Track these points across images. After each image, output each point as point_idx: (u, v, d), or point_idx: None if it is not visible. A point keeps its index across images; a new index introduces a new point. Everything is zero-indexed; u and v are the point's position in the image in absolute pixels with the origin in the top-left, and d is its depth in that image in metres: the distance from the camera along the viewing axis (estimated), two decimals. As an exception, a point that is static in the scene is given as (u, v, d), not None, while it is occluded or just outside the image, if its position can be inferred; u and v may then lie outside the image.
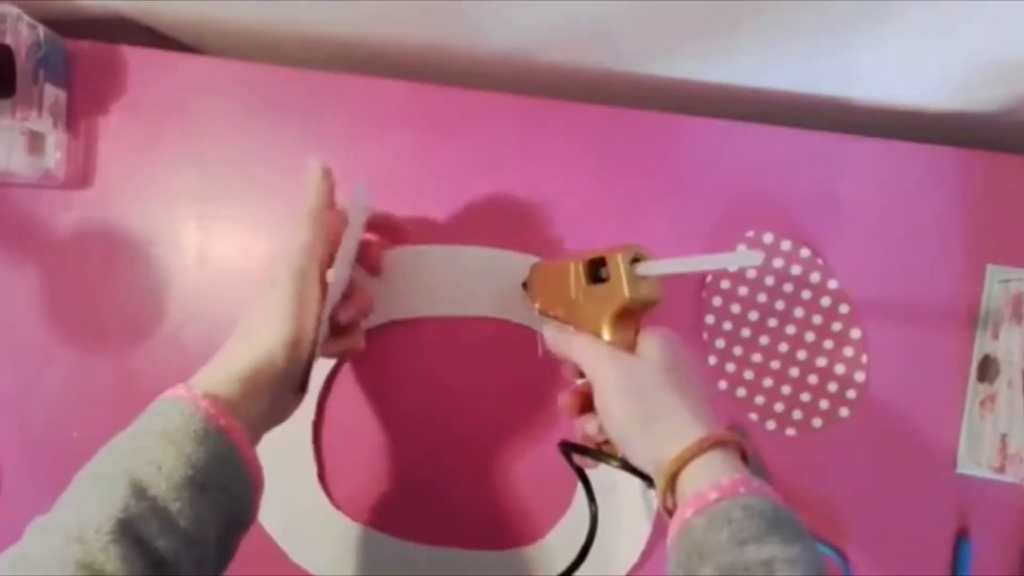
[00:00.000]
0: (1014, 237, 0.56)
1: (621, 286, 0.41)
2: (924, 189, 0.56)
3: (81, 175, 0.54)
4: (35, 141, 0.51)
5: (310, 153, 0.55)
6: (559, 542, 0.53)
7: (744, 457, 0.38)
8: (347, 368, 0.54)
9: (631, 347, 0.42)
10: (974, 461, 0.54)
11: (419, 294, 0.54)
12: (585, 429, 0.44)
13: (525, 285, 0.51)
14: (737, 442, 0.38)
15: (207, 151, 0.55)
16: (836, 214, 0.56)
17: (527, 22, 0.53)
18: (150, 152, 0.55)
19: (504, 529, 0.53)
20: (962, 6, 0.45)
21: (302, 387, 0.42)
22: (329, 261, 0.44)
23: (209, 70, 0.56)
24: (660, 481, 0.37)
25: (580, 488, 0.53)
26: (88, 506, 0.32)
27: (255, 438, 0.39)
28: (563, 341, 0.44)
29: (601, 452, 0.43)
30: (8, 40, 0.49)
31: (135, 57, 0.55)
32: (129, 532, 0.31)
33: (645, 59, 0.57)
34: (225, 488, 0.35)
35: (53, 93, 0.52)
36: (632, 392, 0.39)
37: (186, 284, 0.54)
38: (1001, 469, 0.51)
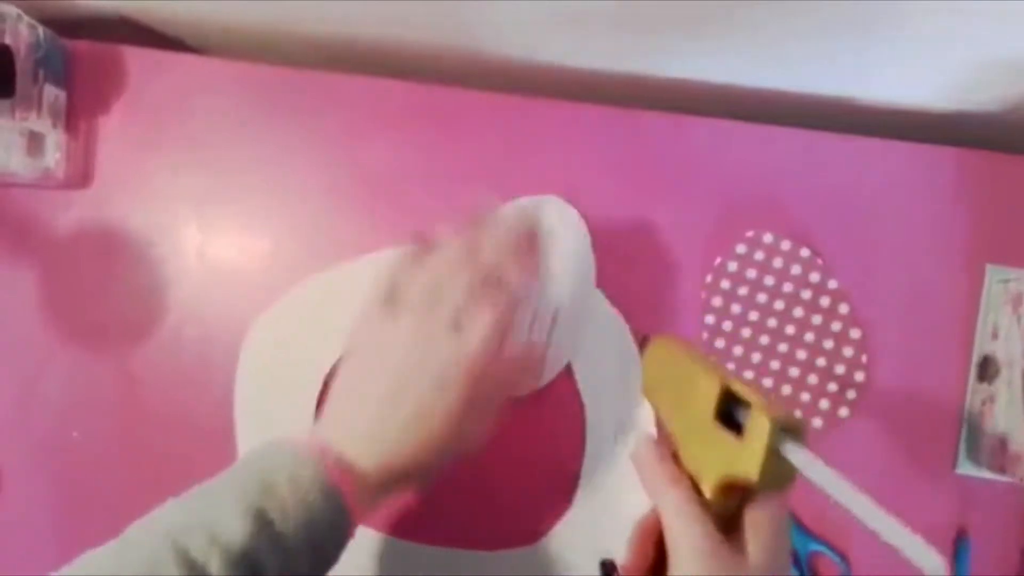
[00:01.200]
0: (1014, 237, 0.56)
1: (755, 460, 0.31)
2: (924, 189, 0.56)
3: (81, 175, 0.54)
4: (35, 141, 0.51)
5: (310, 153, 0.55)
6: (559, 542, 0.53)
7: None
8: (347, 368, 0.54)
9: (729, 519, 0.34)
10: (974, 461, 0.54)
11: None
12: (643, 557, 0.37)
13: (641, 344, 0.44)
14: None
15: (207, 151, 0.55)
16: (836, 214, 0.56)
17: (527, 22, 0.53)
18: (150, 152, 0.55)
19: (504, 529, 0.53)
20: (962, 6, 0.45)
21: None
22: None
23: (209, 70, 0.56)
24: None
25: (579, 489, 0.53)
26: (218, 525, 0.33)
27: (377, 498, 0.39)
28: (658, 483, 0.35)
29: None
30: (8, 40, 0.48)
31: (135, 57, 0.55)
32: (250, 565, 0.32)
33: (645, 59, 0.57)
34: (327, 555, 0.37)
35: (53, 93, 0.52)
36: None
37: (186, 284, 0.54)
38: (1001, 469, 0.51)
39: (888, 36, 0.49)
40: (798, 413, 0.54)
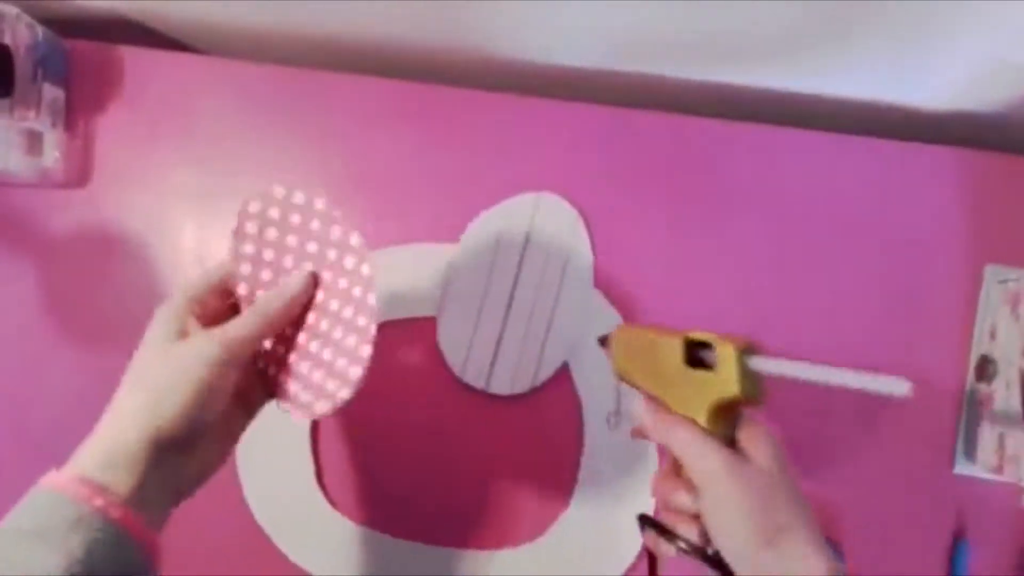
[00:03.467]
0: (1013, 237, 0.56)
1: (731, 379, 0.37)
2: (924, 189, 0.56)
3: (79, 174, 0.54)
4: (33, 140, 0.51)
5: (310, 153, 0.55)
6: (558, 541, 0.53)
7: None
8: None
9: (730, 442, 0.38)
10: (972, 461, 0.54)
11: (418, 294, 0.54)
12: (673, 501, 0.39)
13: (603, 342, 0.47)
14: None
15: (206, 151, 0.55)
16: (836, 214, 0.56)
17: (528, 23, 0.53)
18: (149, 152, 0.55)
19: (503, 528, 0.53)
20: (963, 7, 0.45)
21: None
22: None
23: (209, 70, 0.56)
24: None
25: (578, 488, 0.53)
26: None
27: (154, 512, 0.36)
28: (662, 429, 0.39)
29: (690, 545, 0.38)
30: (7, 40, 0.48)
31: (134, 57, 0.55)
32: None
33: (645, 60, 0.57)
34: (113, 572, 0.33)
35: (52, 92, 0.52)
36: (756, 510, 0.35)
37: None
38: (999, 469, 0.51)
39: (888, 37, 0.49)
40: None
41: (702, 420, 0.38)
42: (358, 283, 0.42)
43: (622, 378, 0.45)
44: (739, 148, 0.56)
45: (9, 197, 0.54)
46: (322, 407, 0.41)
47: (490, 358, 0.53)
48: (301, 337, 0.43)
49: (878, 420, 0.55)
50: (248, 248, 0.44)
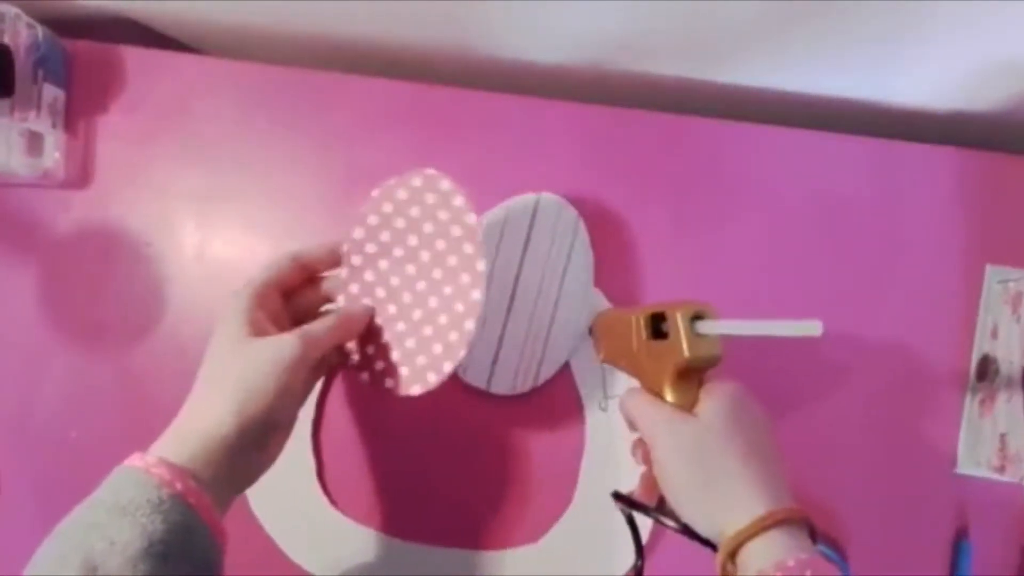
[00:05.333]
0: (1013, 237, 0.56)
1: (680, 344, 0.39)
2: (924, 189, 0.56)
3: (80, 175, 0.54)
4: (34, 141, 0.51)
5: (310, 153, 0.55)
6: (558, 542, 0.53)
7: (812, 530, 0.37)
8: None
9: (693, 404, 0.40)
10: (973, 461, 0.54)
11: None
12: (641, 469, 0.43)
13: (591, 331, 0.51)
14: (805, 517, 0.36)
15: (206, 151, 0.55)
16: (836, 214, 0.56)
17: (527, 22, 0.53)
18: (149, 152, 0.55)
19: (503, 529, 0.53)
20: (963, 7, 0.45)
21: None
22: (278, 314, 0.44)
23: (209, 70, 0.56)
24: (719, 554, 0.36)
25: (579, 488, 0.53)
26: None
27: (222, 501, 0.38)
28: (623, 402, 0.43)
29: (659, 512, 0.41)
30: (7, 40, 0.48)
31: (135, 57, 0.55)
32: None
33: (646, 59, 0.57)
34: (186, 556, 0.34)
35: (52, 93, 0.52)
36: (688, 458, 0.38)
37: (185, 284, 0.54)
38: (1000, 469, 0.51)
39: (888, 37, 0.50)
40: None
41: (668, 390, 0.41)
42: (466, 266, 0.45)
43: (605, 361, 0.48)
44: (739, 148, 0.56)
45: (9, 197, 0.54)
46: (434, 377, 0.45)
47: (491, 358, 0.53)
48: (400, 324, 0.46)
49: (879, 420, 0.55)
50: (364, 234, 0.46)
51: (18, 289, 0.54)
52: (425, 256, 0.46)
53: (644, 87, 0.61)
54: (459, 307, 0.45)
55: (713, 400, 0.40)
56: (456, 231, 0.45)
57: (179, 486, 0.35)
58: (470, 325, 0.45)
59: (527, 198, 0.54)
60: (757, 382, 0.55)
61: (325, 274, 0.48)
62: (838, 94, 0.59)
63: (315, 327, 0.42)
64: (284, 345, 0.40)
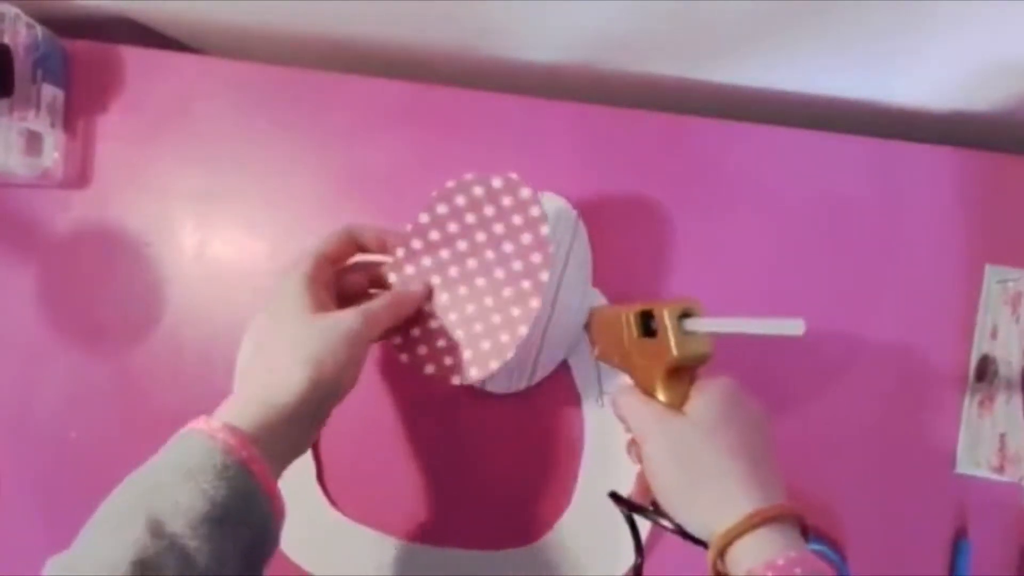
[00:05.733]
0: (1013, 237, 0.56)
1: (669, 343, 0.39)
2: (924, 189, 0.56)
3: (79, 175, 0.54)
4: (33, 141, 0.51)
5: (310, 153, 0.55)
6: (558, 542, 0.53)
7: (804, 528, 0.37)
8: (346, 368, 0.54)
9: (684, 402, 0.40)
10: (973, 461, 0.54)
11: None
12: (643, 480, 0.42)
13: (587, 327, 0.51)
14: (796, 515, 0.36)
15: (206, 151, 0.55)
16: (835, 214, 0.56)
17: (527, 22, 0.53)
18: (148, 152, 0.55)
19: (503, 529, 0.53)
20: (963, 6, 0.45)
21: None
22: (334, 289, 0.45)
23: (209, 70, 0.56)
24: (709, 553, 0.36)
25: (579, 488, 0.53)
26: (105, 547, 0.32)
27: (278, 469, 0.39)
28: (615, 400, 0.42)
29: (654, 512, 0.41)
30: (6, 39, 0.48)
31: (134, 57, 0.55)
32: (146, 572, 0.31)
33: (646, 60, 0.57)
34: (245, 522, 0.35)
35: (51, 93, 0.52)
36: (677, 458, 0.38)
37: (184, 284, 0.54)
38: (1000, 469, 0.51)
39: (888, 37, 0.50)
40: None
41: (659, 387, 0.40)
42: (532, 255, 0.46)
43: (600, 358, 0.47)
44: (739, 148, 0.56)
45: (8, 197, 0.54)
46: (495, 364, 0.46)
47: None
48: (451, 314, 0.47)
49: (879, 420, 0.55)
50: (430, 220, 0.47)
51: (17, 289, 0.54)
52: (490, 255, 0.47)
53: (643, 87, 0.61)
54: (515, 311, 0.46)
55: (703, 397, 0.39)
56: (526, 239, 0.46)
57: (243, 453, 0.35)
58: (523, 330, 0.46)
59: None
60: (756, 382, 0.55)
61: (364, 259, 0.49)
62: (838, 94, 0.59)
63: (375, 305, 0.43)
64: (351, 321, 0.41)
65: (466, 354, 0.47)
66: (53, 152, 0.53)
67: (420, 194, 0.55)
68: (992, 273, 0.55)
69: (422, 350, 0.47)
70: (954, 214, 0.56)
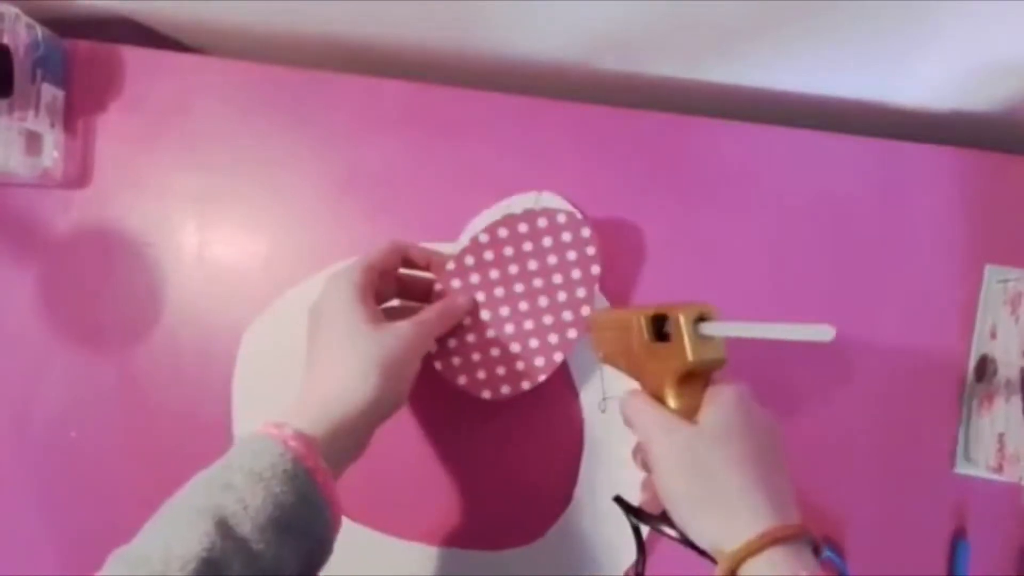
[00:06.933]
0: (1013, 237, 0.56)
1: (684, 347, 0.38)
2: (924, 189, 0.56)
3: (79, 175, 0.54)
4: (32, 141, 0.51)
5: (310, 153, 0.55)
6: (558, 542, 0.53)
7: (816, 545, 0.36)
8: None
9: (696, 409, 0.39)
10: (972, 461, 0.54)
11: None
12: (642, 475, 0.42)
13: (589, 329, 0.50)
14: (807, 532, 0.35)
15: (206, 151, 0.55)
16: (836, 214, 0.56)
17: (527, 22, 0.53)
18: (149, 152, 0.55)
19: (503, 528, 0.53)
20: (963, 6, 0.45)
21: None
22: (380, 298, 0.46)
23: (209, 70, 0.56)
24: (719, 569, 0.35)
25: (579, 488, 0.53)
26: (174, 540, 0.32)
27: (338, 475, 0.40)
28: (623, 404, 0.42)
29: (660, 521, 0.40)
30: (6, 40, 0.48)
31: (134, 57, 0.55)
32: (212, 571, 0.32)
33: (646, 60, 0.57)
34: (307, 530, 0.36)
35: (51, 93, 0.52)
36: (686, 468, 0.37)
37: (185, 284, 0.54)
38: (999, 469, 0.51)
39: (888, 37, 0.50)
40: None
41: (670, 393, 0.39)
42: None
43: (605, 360, 0.47)
44: (740, 148, 0.56)
45: (8, 197, 0.54)
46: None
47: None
48: (490, 331, 0.50)
49: (878, 420, 0.55)
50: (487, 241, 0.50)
51: (17, 289, 0.54)
52: (538, 282, 0.50)
53: (643, 87, 0.61)
54: (552, 338, 0.50)
55: (715, 406, 0.38)
56: (576, 274, 0.50)
57: (310, 462, 0.36)
58: (558, 358, 0.50)
59: (527, 197, 0.54)
60: (755, 382, 0.55)
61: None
62: (838, 94, 0.59)
63: (428, 316, 0.46)
64: (411, 333, 0.43)
65: (499, 371, 0.50)
66: (53, 152, 0.53)
67: (420, 194, 0.55)
68: (992, 273, 0.55)
69: (456, 361, 0.50)
70: (954, 214, 0.56)
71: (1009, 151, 0.57)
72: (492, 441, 0.54)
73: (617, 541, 0.53)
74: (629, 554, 0.52)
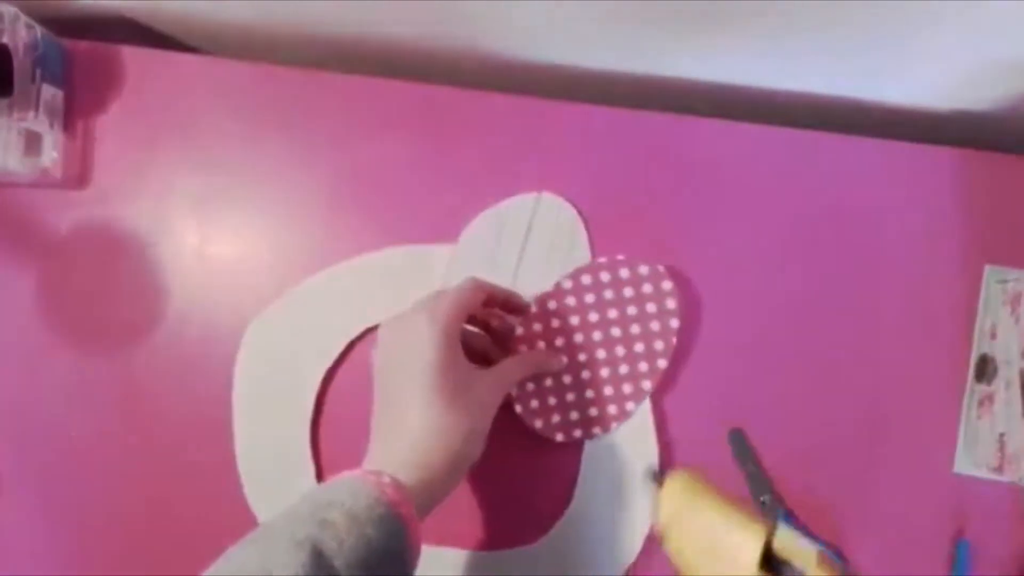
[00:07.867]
0: (1013, 237, 0.56)
1: None
2: (923, 189, 0.56)
3: (79, 175, 0.54)
4: (32, 141, 0.51)
5: (310, 153, 0.55)
6: (558, 542, 0.53)
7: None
8: (345, 366, 0.54)
9: None
10: (972, 461, 0.54)
11: (417, 295, 0.54)
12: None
13: (656, 478, 0.48)
14: None
15: (206, 151, 0.55)
16: (835, 214, 0.56)
17: (527, 22, 0.53)
18: (148, 152, 0.55)
19: (503, 529, 0.53)
20: (962, 7, 0.45)
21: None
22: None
23: (209, 70, 0.56)
24: None
25: (579, 487, 0.53)
26: (273, 564, 0.34)
27: (424, 518, 0.41)
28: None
29: None
30: (6, 40, 0.48)
31: (134, 57, 0.55)
32: None
33: (645, 59, 0.57)
34: (389, 572, 0.38)
35: (50, 92, 0.52)
36: None
37: (185, 284, 0.54)
38: (999, 469, 0.51)
39: (888, 36, 0.50)
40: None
41: None
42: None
43: (664, 531, 0.44)
44: (739, 148, 0.56)
45: (7, 197, 0.54)
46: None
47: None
48: (567, 377, 0.51)
49: (878, 420, 0.55)
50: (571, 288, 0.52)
51: (17, 289, 0.54)
52: (616, 331, 0.51)
53: (643, 87, 0.61)
54: (627, 388, 0.51)
55: None
56: (655, 326, 0.51)
57: (403, 509, 0.38)
58: (631, 407, 0.51)
59: (527, 198, 0.54)
60: (755, 382, 0.55)
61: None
62: (837, 94, 0.59)
63: (511, 367, 0.48)
64: (497, 383, 0.45)
65: (573, 415, 0.51)
66: (52, 152, 0.53)
67: (420, 194, 0.55)
68: (991, 273, 0.55)
69: (533, 404, 0.51)
70: (954, 214, 0.56)
71: (1009, 151, 0.57)
72: (492, 441, 0.54)
73: (617, 542, 0.53)
74: (629, 555, 0.53)
